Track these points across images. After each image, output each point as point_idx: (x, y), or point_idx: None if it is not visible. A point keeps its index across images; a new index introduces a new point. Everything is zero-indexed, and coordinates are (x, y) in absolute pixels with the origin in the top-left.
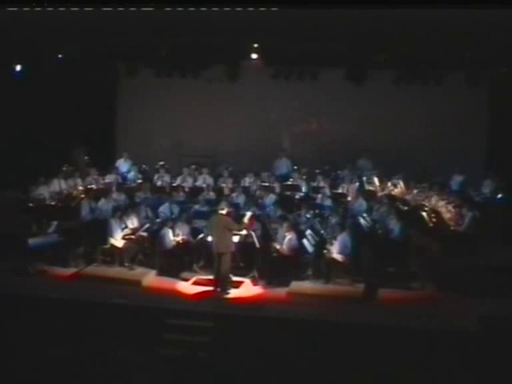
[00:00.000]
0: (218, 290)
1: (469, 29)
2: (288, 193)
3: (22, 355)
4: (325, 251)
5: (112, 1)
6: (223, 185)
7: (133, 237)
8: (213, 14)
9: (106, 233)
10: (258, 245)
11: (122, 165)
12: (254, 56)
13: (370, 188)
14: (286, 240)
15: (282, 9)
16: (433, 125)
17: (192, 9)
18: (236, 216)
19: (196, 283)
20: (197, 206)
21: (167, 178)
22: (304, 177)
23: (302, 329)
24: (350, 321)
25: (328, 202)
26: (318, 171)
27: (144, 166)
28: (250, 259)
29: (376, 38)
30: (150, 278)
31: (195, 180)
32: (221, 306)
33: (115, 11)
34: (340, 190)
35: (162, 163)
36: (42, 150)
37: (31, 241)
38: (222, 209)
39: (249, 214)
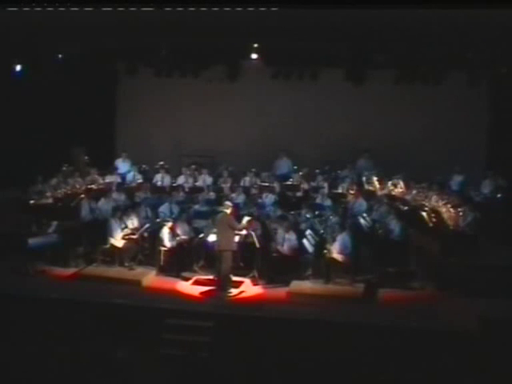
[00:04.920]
0: (218, 289)
1: (469, 29)
2: (288, 193)
3: (22, 355)
4: (325, 251)
5: (112, 1)
6: (223, 185)
7: (133, 237)
8: (213, 14)
9: (106, 233)
10: (258, 245)
11: (121, 164)
12: (254, 56)
13: (370, 188)
14: (285, 240)
15: (281, 9)
16: (433, 125)
17: (192, 9)
18: (237, 215)
19: (196, 283)
20: (197, 206)
21: (167, 178)
22: (304, 177)
23: (302, 329)
24: (350, 321)
25: (328, 202)
26: (317, 171)
27: (144, 166)
28: (250, 259)
29: (376, 38)
30: (150, 278)
31: (195, 180)
32: (221, 306)
33: (115, 11)
34: (340, 190)
35: (161, 163)
36: (41, 150)
37: (31, 241)
38: (228, 207)
39: (246, 218)
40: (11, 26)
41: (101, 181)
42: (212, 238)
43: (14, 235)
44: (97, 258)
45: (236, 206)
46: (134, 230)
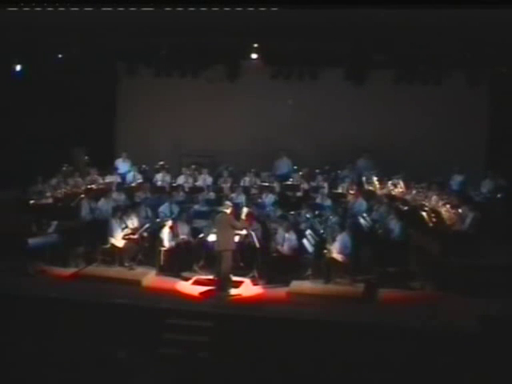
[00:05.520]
0: (218, 289)
1: (469, 29)
2: (288, 193)
3: (21, 355)
4: (325, 251)
5: (112, 1)
6: (223, 185)
7: (133, 237)
8: (213, 14)
9: (106, 233)
10: (257, 245)
11: (121, 164)
12: (254, 56)
13: (370, 188)
14: (285, 240)
15: (281, 9)
16: (433, 125)
17: (192, 9)
18: (237, 215)
19: (196, 283)
20: (197, 206)
21: (167, 178)
22: (304, 177)
23: (302, 329)
24: (350, 321)
25: (328, 202)
26: (317, 171)
27: (144, 166)
28: (250, 259)
29: (376, 38)
30: (150, 278)
31: (195, 180)
32: (221, 306)
33: (115, 11)
34: (340, 190)
35: (161, 163)
36: (41, 150)
37: (31, 241)
38: (227, 207)
39: (245, 209)
40: (11, 26)
41: (101, 181)
42: (212, 237)
43: (14, 235)
44: (97, 257)
45: (236, 206)
46: (134, 230)
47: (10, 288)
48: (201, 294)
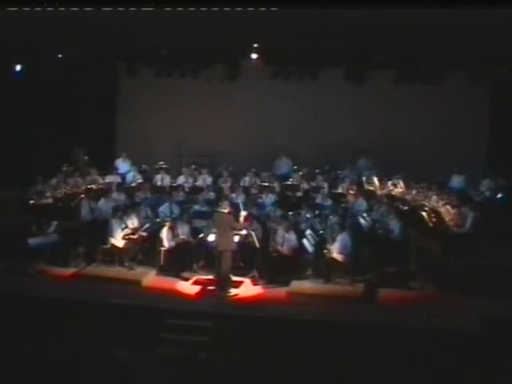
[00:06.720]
0: (218, 289)
1: (469, 28)
2: (288, 193)
3: (21, 355)
4: (325, 251)
5: (112, 1)
6: (223, 185)
7: (133, 237)
8: (213, 14)
9: (106, 233)
10: (257, 245)
11: (121, 164)
12: (254, 56)
13: (370, 188)
14: (285, 240)
15: (281, 9)
16: (433, 125)
17: (192, 9)
18: (236, 216)
19: (196, 283)
20: (197, 206)
21: (167, 178)
22: (304, 177)
23: (302, 329)
24: (350, 321)
25: (328, 202)
26: (317, 171)
27: (144, 166)
28: (250, 259)
29: (376, 38)
30: (150, 278)
31: (195, 180)
32: (221, 306)
33: (115, 11)
34: (340, 190)
35: (161, 163)
36: (42, 150)
37: (31, 241)
38: (225, 208)
39: (244, 213)
40: (11, 26)
41: (101, 181)
42: (212, 238)
43: (14, 235)
44: (97, 257)
45: (235, 207)
46: (134, 230)
47: (10, 288)
48: (201, 293)
